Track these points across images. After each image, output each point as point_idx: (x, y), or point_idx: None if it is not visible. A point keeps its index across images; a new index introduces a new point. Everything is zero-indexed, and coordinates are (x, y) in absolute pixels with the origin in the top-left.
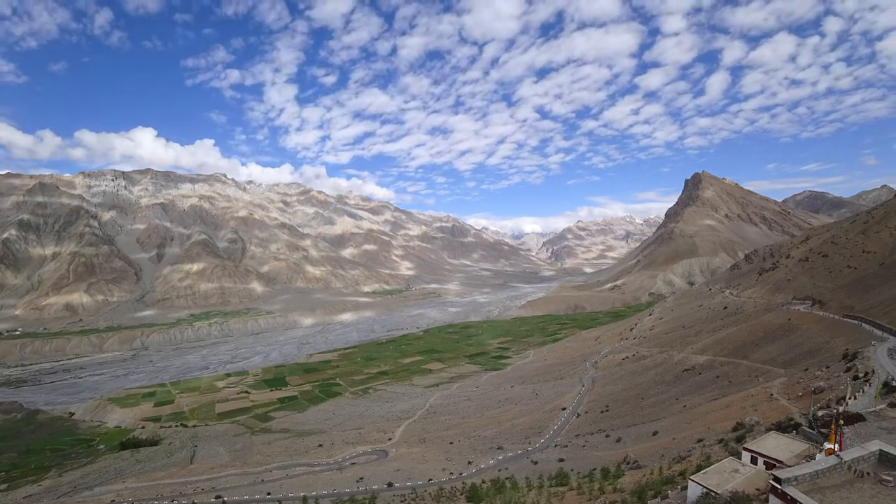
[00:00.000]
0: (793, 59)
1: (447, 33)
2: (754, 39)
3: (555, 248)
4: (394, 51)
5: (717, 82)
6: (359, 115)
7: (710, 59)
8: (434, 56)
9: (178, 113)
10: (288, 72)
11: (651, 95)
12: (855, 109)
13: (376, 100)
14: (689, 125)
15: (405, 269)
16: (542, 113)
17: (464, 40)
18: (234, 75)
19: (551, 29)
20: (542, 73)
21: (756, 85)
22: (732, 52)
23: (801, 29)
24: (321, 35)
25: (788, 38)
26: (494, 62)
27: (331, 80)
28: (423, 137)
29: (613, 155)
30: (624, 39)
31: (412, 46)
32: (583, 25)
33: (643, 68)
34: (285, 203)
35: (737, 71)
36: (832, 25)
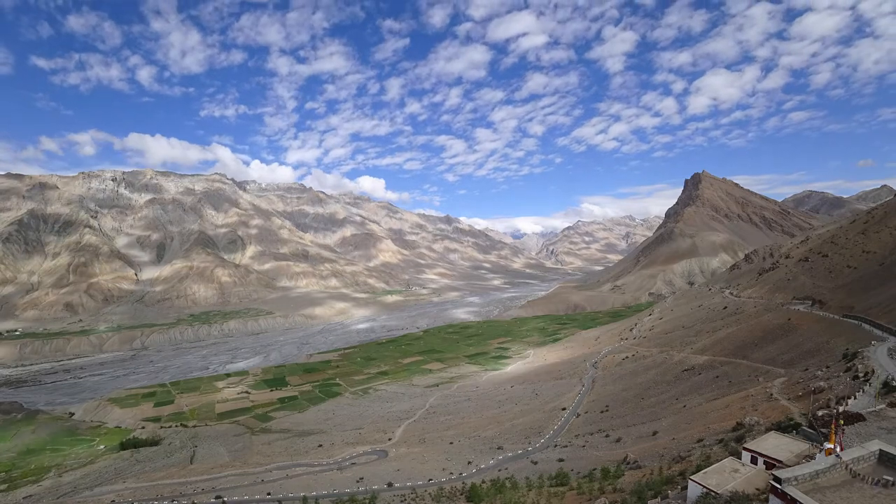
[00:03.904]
0: (733, 84)
1: (423, 76)
2: (689, 75)
3: (554, 247)
4: (382, 90)
5: (669, 105)
6: (354, 136)
7: (662, 89)
8: (417, 93)
9: (187, 135)
10: (289, 107)
11: (614, 117)
12: (803, 126)
13: (368, 122)
14: (654, 142)
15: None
16: (522, 131)
17: (439, 82)
18: (241, 109)
19: (514, 71)
20: (511, 102)
21: (705, 108)
22: (677, 84)
23: (732, 65)
24: (319, 80)
25: (722, 71)
26: (468, 94)
27: (325, 109)
28: (415, 154)
29: (592, 165)
30: (582, 72)
31: (396, 86)
32: (540, 69)
33: (599, 97)
34: (284, 202)
35: (682, 98)
36: (758, 64)
